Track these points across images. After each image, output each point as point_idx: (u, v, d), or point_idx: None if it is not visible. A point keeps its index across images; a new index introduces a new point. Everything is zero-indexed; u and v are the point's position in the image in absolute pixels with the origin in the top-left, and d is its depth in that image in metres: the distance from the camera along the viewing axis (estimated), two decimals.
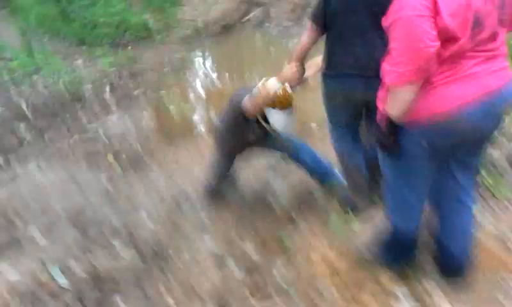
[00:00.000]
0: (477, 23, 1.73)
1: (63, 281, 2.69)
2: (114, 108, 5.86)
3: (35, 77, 6.31)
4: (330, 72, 2.73)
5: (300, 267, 2.65)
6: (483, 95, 1.79)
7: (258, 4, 9.87)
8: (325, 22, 2.64)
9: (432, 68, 1.74)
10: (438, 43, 1.67)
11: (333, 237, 2.76)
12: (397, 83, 1.77)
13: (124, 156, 4.82)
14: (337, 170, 3.46)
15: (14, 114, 5.31)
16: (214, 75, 7.82)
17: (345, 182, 3.15)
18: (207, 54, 8.65)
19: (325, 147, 4.37)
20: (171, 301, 2.79)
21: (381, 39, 2.30)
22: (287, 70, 2.87)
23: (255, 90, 3.06)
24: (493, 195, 2.86)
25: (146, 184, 4.37)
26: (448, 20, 1.66)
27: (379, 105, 1.98)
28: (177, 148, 5.13)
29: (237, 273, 3.01)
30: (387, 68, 1.80)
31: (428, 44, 1.66)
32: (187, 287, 2.90)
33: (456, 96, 1.78)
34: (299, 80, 2.98)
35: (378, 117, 1.98)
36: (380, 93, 1.98)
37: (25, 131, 5.07)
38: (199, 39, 8.75)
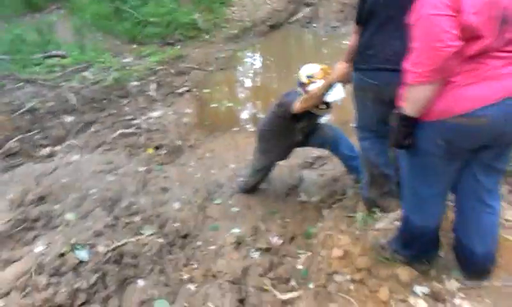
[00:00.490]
0: (505, 22, 1.65)
1: (85, 257, 2.80)
2: (158, 104, 6.03)
3: (85, 72, 6.58)
4: (364, 66, 2.66)
5: (322, 261, 2.62)
6: (507, 97, 1.70)
7: (306, 4, 9.85)
8: (365, 18, 2.60)
9: (453, 67, 1.69)
10: (458, 43, 1.62)
11: (357, 235, 2.71)
12: (416, 82, 1.74)
13: (164, 150, 4.95)
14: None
15: (63, 107, 5.56)
16: (260, 74, 7.89)
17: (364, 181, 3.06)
18: (254, 53, 8.73)
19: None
20: (189, 282, 2.87)
21: None
22: (337, 69, 2.90)
23: (310, 91, 3.16)
24: None
25: (182, 176, 4.47)
26: (472, 18, 1.59)
27: (398, 101, 1.93)
28: (216, 143, 5.23)
29: (259, 260, 3.04)
30: (407, 67, 1.77)
31: (447, 44, 1.61)
32: (207, 270, 2.95)
33: (478, 96, 1.71)
34: (348, 80, 2.97)
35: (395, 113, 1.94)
36: (400, 90, 1.94)
37: (73, 124, 5.30)
38: (246, 38, 8.85)
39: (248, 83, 7.45)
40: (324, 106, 3.32)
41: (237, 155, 4.89)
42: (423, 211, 2.11)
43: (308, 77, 3.29)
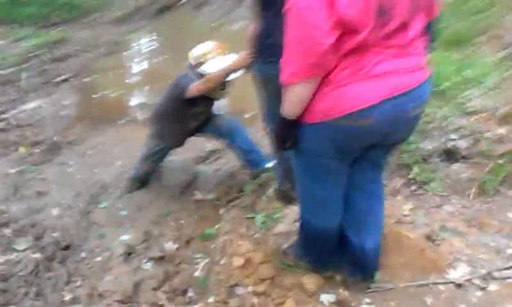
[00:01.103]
0: (382, 12, 1.47)
1: None
2: (34, 95, 5.38)
3: None
4: (264, 56, 2.42)
5: (222, 271, 2.39)
6: (390, 97, 1.55)
7: None
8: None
9: (330, 64, 1.51)
10: (332, 39, 1.43)
11: (258, 239, 2.53)
12: (289, 81, 1.56)
13: (39, 148, 4.40)
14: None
15: None
16: (149, 60, 7.43)
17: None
18: (142, 36, 8.20)
19: (256, 133, 4.19)
20: (71, 304, 2.50)
21: None
22: (240, 56, 2.82)
23: (208, 74, 3.08)
24: (425, 191, 2.72)
25: (60, 177, 3.99)
26: (346, 10, 1.41)
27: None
28: (100, 137, 4.77)
29: (151, 272, 2.75)
30: (281, 64, 1.57)
31: (319, 40, 1.42)
32: (93, 288, 2.60)
33: (361, 96, 1.54)
34: (247, 69, 2.81)
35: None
36: None
37: None
38: (134, 21, 8.30)
39: (136, 70, 6.97)
40: (220, 88, 3.20)
41: (124, 149, 4.49)
42: (320, 212, 1.98)
43: (198, 57, 3.23)
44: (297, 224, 2.20)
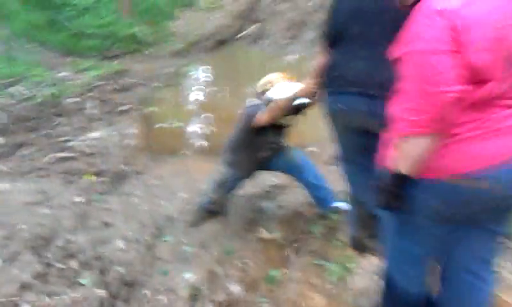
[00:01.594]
0: (510, 61, 1.36)
1: None
2: (97, 124, 5.50)
3: (15, 88, 5.92)
4: (330, 89, 2.36)
5: None
6: None
7: (253, 21, 9.62)
8: (331, 38, 2.31)
9: (453, 117, 1.37)
10: (459, 87, 1.31)
11: (332, 293, 2.38)
12: (408, 134, 1.41)
13: (105, 177, 4.44)
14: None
15: None
16: (208, 91, 7.51)
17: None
18: (200, 69, 8.33)
19: (322, 170, 4.08)
20: None
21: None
22: (304, 87, 2.83)
23: (274, 100, 3.11)
24: None
25: (126, 208, 3.99)
26: (477, 57, 1.29)
27: (383, 151, 1.63)
28: (164, 168, 4.79)
29: None
30: (396, 112, 1.44)
31: (445, 89, 1.29)
32: None
33: (482, 155, 1.41)
34: (313, 98, 2.82)
35: (380, 164, 1.63)
36: (385, 136, 1.62)
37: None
38: (192, 54, 8.44)
39: (195, 101, 7.04)
40: (290, 114, 3.15)
41: (186, 181, 4.47)
42: (407, 271, 1.80)
43: (264, 84, 3.28)
44: (379, 282, 2.04)
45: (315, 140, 4.92)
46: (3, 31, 8.67)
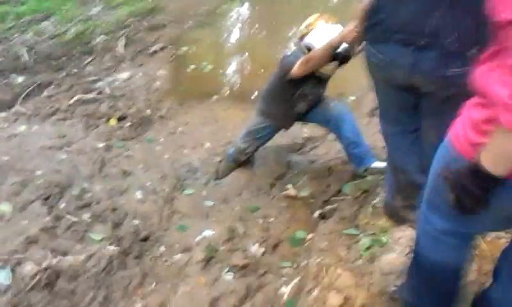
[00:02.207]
0: None
1: (5, 281, 2.13)
2: (126, 64, 5.24)
3: (44, 24, 5.70)
4: (371, 35, 1.94)
5: (313, 303, 1.99)
6: None
7: None
8: None
9: None
10: None
11: (361, 269, 2.07)
12: None
13: (129, 121, 4.22)
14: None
15: (13, 65, 4.74)
16: (246, 32, 7.09)
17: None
18: (237, 8, 7.87)
19: (360, 123, 3.74)
20: None
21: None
22: (346, 30, 2.54)
23: (312, 47, 2.85)
24: None
25: (147, 156, 3.78)
26: None
27: (462, 133, 1.24)
28: (191, 114, 4.52)
29: (232, 285, 2.38)
30: (500, 94, 1.02)
31: None
32: (165, 299, 2.31)
33: None
34: (357, 42, 2.36)
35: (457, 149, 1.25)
36: (470, 115, 1.22)
37: (23, 85, 4.50)
38: None
39: (231, 42, 6.65)
40: (331, 65, 2.90)
41: (214, 130, 4.21)
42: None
43: (302, 29, 2.97)
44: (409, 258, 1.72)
45: (356, 89, 4.51)
46: None
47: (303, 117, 3.27)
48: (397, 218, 2.29)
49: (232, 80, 5.41)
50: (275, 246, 2.82)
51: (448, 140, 1.28)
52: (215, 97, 4.88)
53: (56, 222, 2.71)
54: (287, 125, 3.33)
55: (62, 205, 2.99)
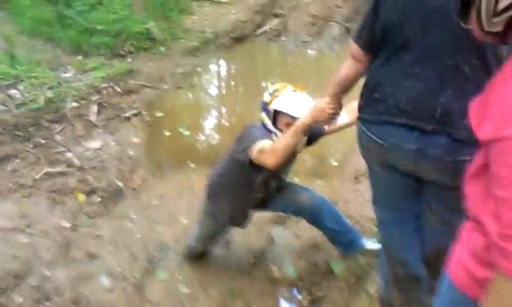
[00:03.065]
0: None
1: None
2: (98, 132, 4.97)
3: (11, 91, 5.44)
4: (367, 115, 1.74)
5: None
6: None
7: (274, 15, 8.98)
8: (375, 42, 1.68)
9: None
10: None
11: None
12: None
13: (99, 196, 3.92)
14: None
15: None
16: (224, 95, 6.96)
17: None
18: (215, 68, 7.79)
19: (344, 190, 3.54)
20: None
21: (465, 78, 1.40)
22: (316, 106, 2.09)
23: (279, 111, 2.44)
24: None
25: (117, 235, 3.48)
26: None
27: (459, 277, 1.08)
28: (166, 185, 4.24)
29: None
30: (492, 232, 0.91)
31: None
32: None
33: None
34: (329, 122, 2.16)
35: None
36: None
37: None
38: (208, 51, 7.86)
39: (209, 106, 6.50)
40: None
41: (191, 202, 3.92)
42: None
43: (270, 93, 2.53)
44: None
45: (338, 153, 4.33)
46: (12, 27, 8.29)
47: (261, 207, 2.81)
48: None
49: (210, 145, 5.19)
50: None
51: (450, 276, 1.13)
52: (192, 165, 4.62)
53: None
54: (241, 222, 2.82)
55: (18, 299, 2.67)
